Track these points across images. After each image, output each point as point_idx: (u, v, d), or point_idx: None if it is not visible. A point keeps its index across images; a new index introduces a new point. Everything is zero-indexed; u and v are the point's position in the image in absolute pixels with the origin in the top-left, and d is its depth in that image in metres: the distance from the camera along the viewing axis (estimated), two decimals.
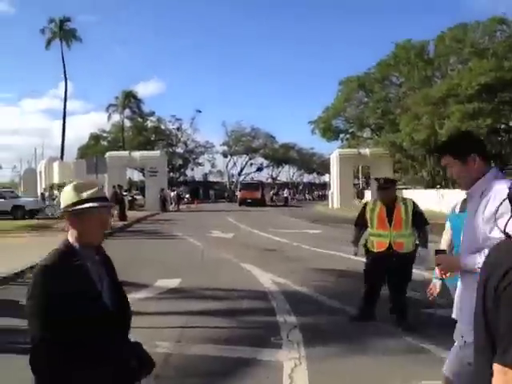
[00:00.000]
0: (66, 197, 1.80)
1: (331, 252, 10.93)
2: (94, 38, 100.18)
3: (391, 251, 5.10)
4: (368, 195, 37.79)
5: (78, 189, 1.79)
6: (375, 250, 5.25)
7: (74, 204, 1.77)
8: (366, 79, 33.79)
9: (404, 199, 5.43)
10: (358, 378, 3.93)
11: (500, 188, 2.15)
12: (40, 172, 36.46)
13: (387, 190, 5.24)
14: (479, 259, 2.15)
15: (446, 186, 33.84)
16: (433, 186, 30.39)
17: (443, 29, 29.36)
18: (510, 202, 1.41)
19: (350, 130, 37.97)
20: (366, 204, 5.60)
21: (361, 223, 5.53)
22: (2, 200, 22.82)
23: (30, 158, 55.41)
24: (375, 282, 5.40)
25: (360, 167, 42.54)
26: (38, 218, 22.03)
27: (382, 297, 5.43)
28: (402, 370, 4.05)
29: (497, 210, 1.82)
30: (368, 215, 5.31)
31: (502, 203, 1.56)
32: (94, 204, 1.77)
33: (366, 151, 33.37)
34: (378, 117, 33.63)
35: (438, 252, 2.65)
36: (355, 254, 5.75)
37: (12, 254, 10.86)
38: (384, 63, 32.18)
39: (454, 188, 34.28)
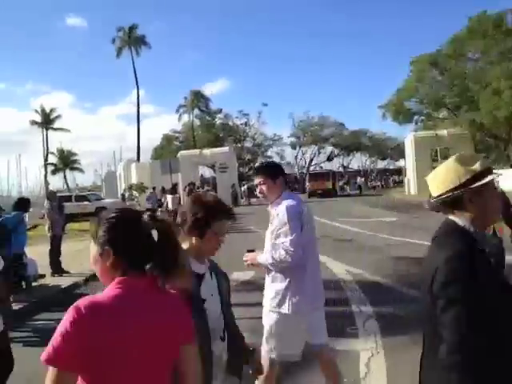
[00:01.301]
0: (453, 175, 1.53)
1: (407, 239, 10.53)
2: (163, 43, 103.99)
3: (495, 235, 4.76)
4: None
5: (465, 162, 1.54)
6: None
7: (472, 180, 1.50)
8: (439, 56, 31.86)
9: None
10: None
11: (284, 206, 2.98)
12: (119, 174, 38.68)
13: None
14: (269, 257, 3.03)
15: None
16: None
17: None
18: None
19: (425, 112, 36.04)
20: None
21: None
22: (87, 203, 24.56)
23: (109, 162, 59.04)
24: None
25: (438, 150, 40.42)
26: None
27: None
28: None
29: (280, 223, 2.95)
30: None
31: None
32: (492, 176, 1.52)
33: (444, 132, 31.54)
34: (455, 95, 31.62)
35: (248, 251, 3.31)
36: None
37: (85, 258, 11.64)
38: (458, 38, 30.15)
39: None
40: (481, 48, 29.19)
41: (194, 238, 1.94)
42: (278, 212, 3.00)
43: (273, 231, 3.05)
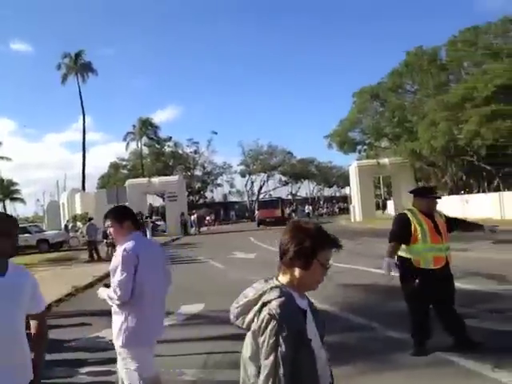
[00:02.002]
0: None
1: (355, 266, 10.75)
2: (112, 70, 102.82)
3: (446, 266, 4.67)
4: (390, 206, 37.33)
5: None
6: (432, 267, 4.59)
7: None
8: (380, 89, 33.64)
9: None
10: None
11: (120, 248, 3.26)
12: (63, 204, 37.24)
13: (437, 199, 4.88)
14: (105, 294, 3.32)
15: (470, 192, 33.28)
16: (456, 192, 29.82)
17: (454, 33, 29.21)
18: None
19: (367, 141, 37.65)
20: (405, 215, 4.84)
21: (403, 237, 4.70)
22: (28, 235, 23.31)
23: (52, 191, 56.66)
24: (427, 305, 4.74)
25: (380, 178, 42.12)
26: (62, 250, 22.44)
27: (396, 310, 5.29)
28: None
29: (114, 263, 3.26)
30: (416, 228, 4.64)
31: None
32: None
33: (385, 161, 33.06)
34: (395, 126, 33.34)
35: (104, 285, 3.49)
36: (389, 273, 4.75)
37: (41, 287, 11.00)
38: (396, 72, 32.02)
39: (478, 192, 33.70)
40: (418, 81, 31.15)
41: (297, 270, 1.78)
42: (116, 254, 3.28)
43: (111, 270, 3.30)
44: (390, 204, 38.21)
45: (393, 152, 32.84)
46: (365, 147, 38.14)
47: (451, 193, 31.01)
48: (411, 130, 30.11)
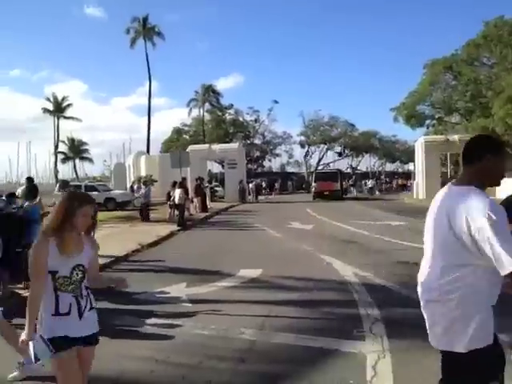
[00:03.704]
0: None
1: (415, 244, 10.51)
2: (176, 36, 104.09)
3: None
4: None
5: None
6: None
7: None
8: (453, 61, 31.62)
9: None
10: None
11: None
12: (129, 165, 38.87)
13: None
14: None
15: None
16: None
17: None
18: None
19: (437, 116, 35.81)
20: None
21: None
22: (96, 193, 24.71)
23: (119, 153, 59.39)
24: None
25: (448, 155, 40.13)
26: (127, 210, 23.68)
27: None
28: None
29: None
30: None
31: None
32: None
33: (455, 138, 31.32)
34: (468, 100, 31.41)
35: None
36: None
37: (106, 243, 11.78)
38: (473, 43, 29.87)
39: None
40: (496, 54, 28.93)
41: None
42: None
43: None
44: None
45: (463, 128, 31.02)
46: (433, 122, 36.34)
47: None
48: (485, 105, 28.26)
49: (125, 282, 3.01)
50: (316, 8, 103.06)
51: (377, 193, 41.89)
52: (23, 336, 2.53)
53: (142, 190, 18.85)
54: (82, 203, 2.65)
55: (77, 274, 2.65)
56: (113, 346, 4.58)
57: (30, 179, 9.22)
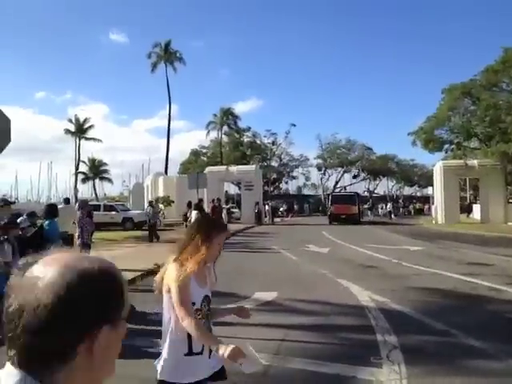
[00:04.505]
0: None
1: (433, 270, 10.33)
2: (198, 61, 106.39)
3: None
4: (476, 210, 35.03)
5: None
6: None
7: None
8: (472, 86, 31.51)
9: None
10: None
11: None
12: (147, 186, 39.34)
13: None
14: None
15: None
16: None
17: None
18: None
19: (455, 141, 35.51)
20: None
21: None
22: (115, 213, 25.01)
23: (138, 173, 60.18)
24: None
25: (467, 180, 39.61)
26: (145, 229, 23.85)
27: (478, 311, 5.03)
28: None
29: None
30: None
31: None
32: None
33: (474, 162, 31.00)
34: (487, 125, 31.07)
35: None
36: None
37: (124, 262, 11.85)
38: (491, 69, 29.77)
39: None
40: None
41: None
42: None
43: None
44: (476, 208, 35.83)
45: (483, 153, 30.66)
46: (452, 147, 36.03)
47: None
48: (505, 131, 27.93)
49: (246, 310, 2.60)
50: (334, 28, 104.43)
51: (393, 217, 41.24)
52: (221, 351, 2.07)
53: (147, 210, 19.16)
54: (220, 230, 2.45)
55: (205, 305, 2.41)
56: (120, 367, 4.57)
57: (67, 200, 9.61)
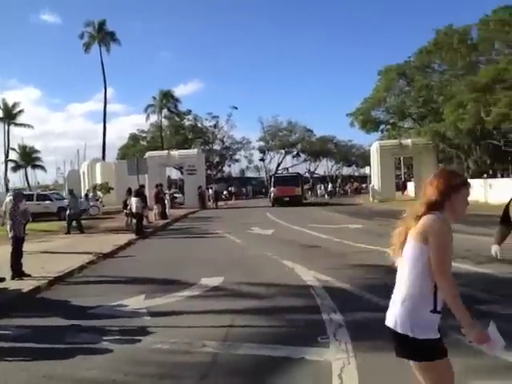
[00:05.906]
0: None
1: (374, 247, 10.66)
2: (137, 43, 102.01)
3: None
4: (411, 187, 36.80)
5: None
6: None
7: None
8: (407, 67, 32.71)
9: None
10: (411, 377, 3.78)
11: None
12: (83, 173, 37.66)
13: None
14: None
15: (494, 176, 32.51)
16: (479, 176, 29.18)
17: (487, 12, 27.99)
18: None
19: (391, 121, 36.89)
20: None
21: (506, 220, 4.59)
22: (49, 202, 23.71)
23: (73, 160, 57.47)
24: None
25: (402, 158, 41.34)
26: (82, 219, 22.79)
27: None
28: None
29: None
30: None
31: None
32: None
33: (408, 142, 32.41)
34: (420, 106, 32.52)
35: None
36: (496, 255, 4.61)
37: (60, 255, 11.26)
38: (425, 51, 31.00)
39: (502, 177, 32.87)
40: (446, 61, 30.14)
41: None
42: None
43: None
44: (411, 185, 37.67)
45: (416, 133, 32.11)
46: (387, 127, 37.42)
47: (473, 177, 30.37)
48: (437, 110, 29.35)
49: None
50: (275, 15, 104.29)
51: (326, 197, 42.63)
52: (466, 330, 2.21)
53: (66, 201, 17.96)
54: (466, 183, 2.43)
55: None
56: (65, 366, 4.30)
57: None
